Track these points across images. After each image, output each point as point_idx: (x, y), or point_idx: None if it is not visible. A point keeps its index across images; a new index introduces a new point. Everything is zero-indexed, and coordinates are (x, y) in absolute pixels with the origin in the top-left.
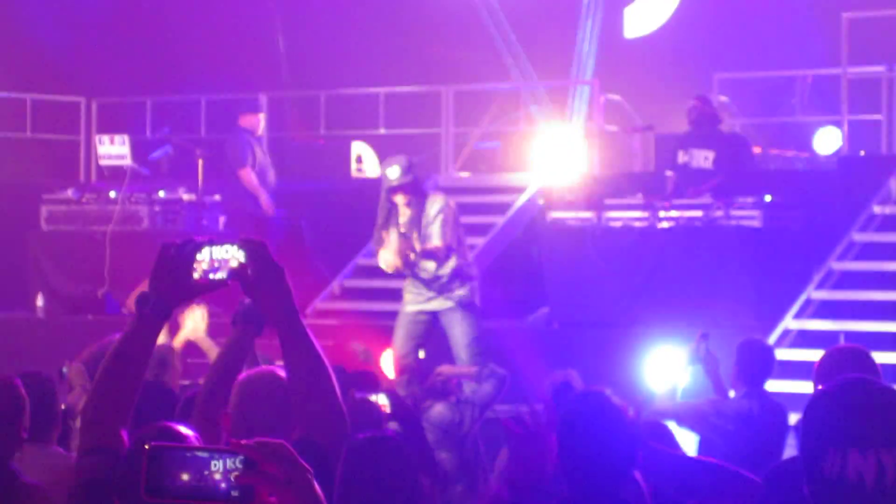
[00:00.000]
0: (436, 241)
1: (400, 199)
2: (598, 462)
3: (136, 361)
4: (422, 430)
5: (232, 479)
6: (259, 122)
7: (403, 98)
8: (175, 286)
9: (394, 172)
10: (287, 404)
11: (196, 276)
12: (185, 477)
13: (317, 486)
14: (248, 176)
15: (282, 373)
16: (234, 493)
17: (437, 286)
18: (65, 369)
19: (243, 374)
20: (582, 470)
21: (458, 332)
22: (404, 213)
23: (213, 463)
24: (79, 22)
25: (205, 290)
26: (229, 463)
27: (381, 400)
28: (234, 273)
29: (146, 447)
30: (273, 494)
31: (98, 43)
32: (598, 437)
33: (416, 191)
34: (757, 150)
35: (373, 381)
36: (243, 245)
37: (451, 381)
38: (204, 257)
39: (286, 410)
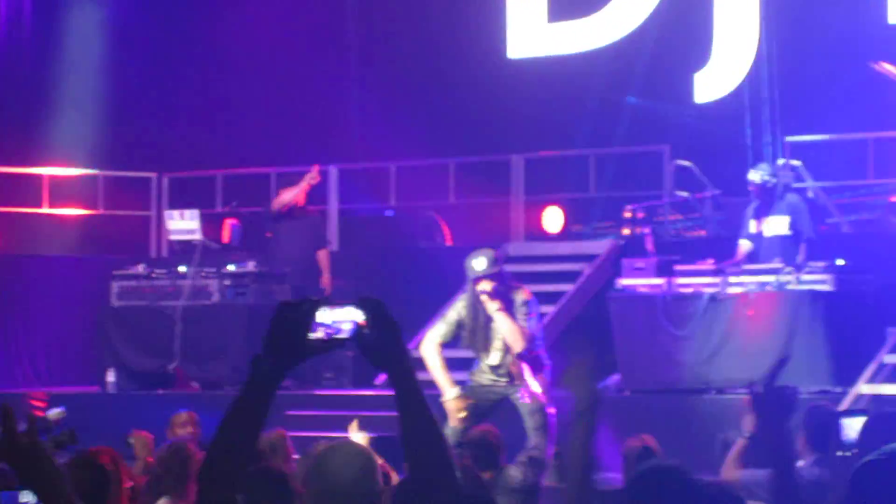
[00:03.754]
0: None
1: (485, 287)
2: None
3: (249, 426)
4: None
5: None
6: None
7: (473, 168)
8: (292, 346)
9: (481, 263)
10: None
11: (317, 335)
12: None
13: None
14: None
15: None
16: None
17: (508, 373)
18: (131, 440)
19: None
20: None
21: (527, 409)
22: (490, 306)
23: None
24: (148, 98)
25: (320, 352)
26: None
27: None
28: (354, 333)
29: None
30: None
31: (168, 118)
32: None
33: (502, 282)
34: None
35: None
36: (362, 304)
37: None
38: (325, 318)
39: None
